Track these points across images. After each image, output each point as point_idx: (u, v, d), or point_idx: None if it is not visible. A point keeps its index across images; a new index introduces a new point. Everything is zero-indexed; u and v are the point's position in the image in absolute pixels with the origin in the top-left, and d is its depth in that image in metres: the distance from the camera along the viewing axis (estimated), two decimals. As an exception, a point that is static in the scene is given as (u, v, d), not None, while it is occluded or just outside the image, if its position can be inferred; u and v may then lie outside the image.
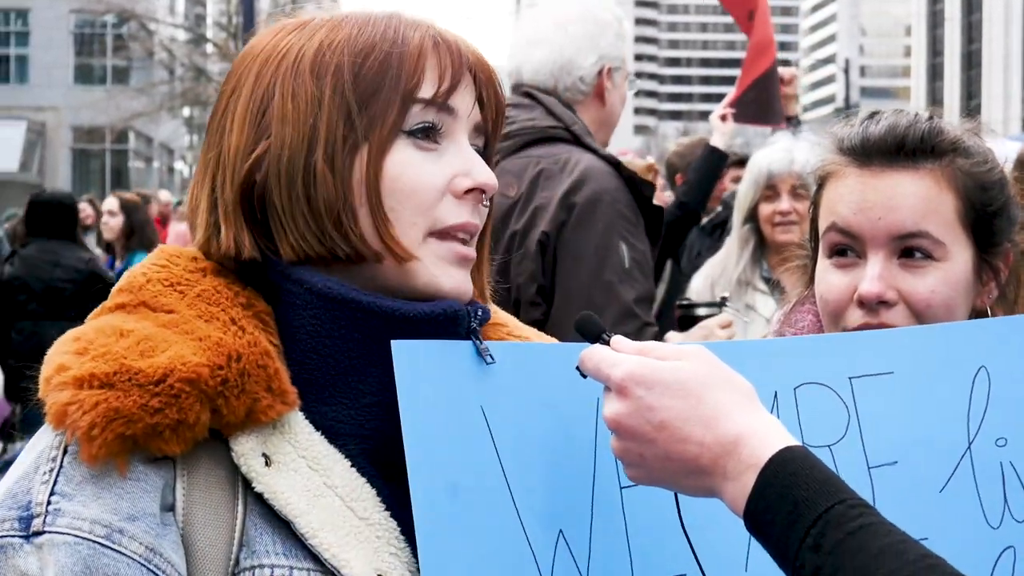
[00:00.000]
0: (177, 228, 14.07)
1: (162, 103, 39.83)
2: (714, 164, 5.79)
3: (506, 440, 1.45)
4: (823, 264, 1.90)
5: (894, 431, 1.62)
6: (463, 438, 1.42)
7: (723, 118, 5.73)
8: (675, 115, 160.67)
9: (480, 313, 1.52)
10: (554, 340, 1.71)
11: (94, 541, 1.28)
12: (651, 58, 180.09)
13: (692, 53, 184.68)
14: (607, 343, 1.45)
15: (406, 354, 1.40)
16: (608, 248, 3.54)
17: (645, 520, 1.53)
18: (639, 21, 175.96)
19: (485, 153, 1.56)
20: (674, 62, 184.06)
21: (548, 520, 1.46)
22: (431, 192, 1.46)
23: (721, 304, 3.83)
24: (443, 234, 1.47)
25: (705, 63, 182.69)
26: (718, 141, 5.75)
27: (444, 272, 1.47)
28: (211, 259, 1.49)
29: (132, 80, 43.79)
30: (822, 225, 1.90)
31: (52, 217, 8.21)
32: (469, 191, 1.48)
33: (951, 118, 1.94)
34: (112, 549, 1.28)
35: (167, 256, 1.50)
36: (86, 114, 41.55)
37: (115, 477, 1.31)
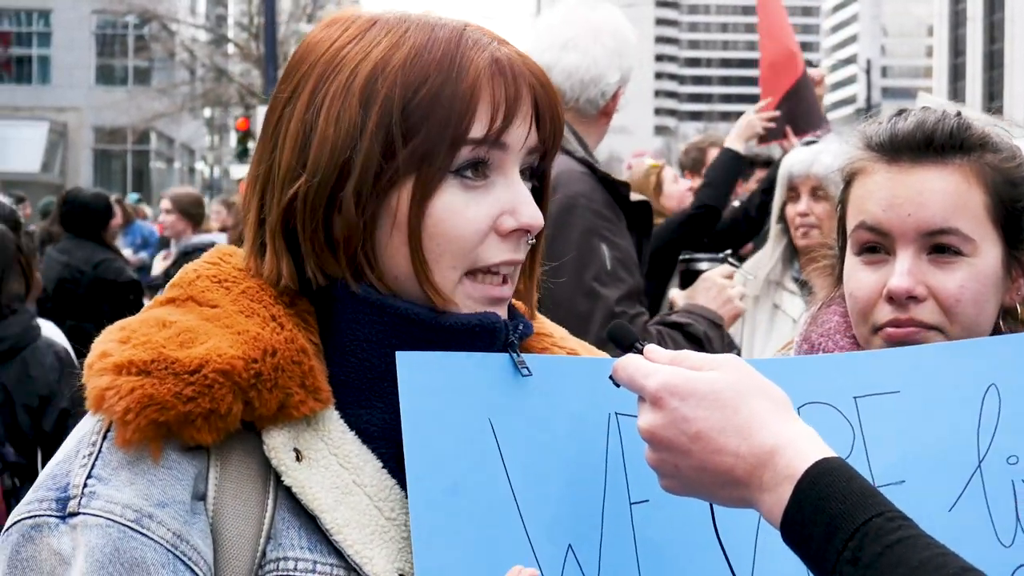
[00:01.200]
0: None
1: (183, 104, 40.02)
2: (728, 164, 5.53)
3: (515, 453, 1.44)
4: (852, 262, 1.89)
5: (901, 450, 1.61)
6: (467, 450, 1.41)
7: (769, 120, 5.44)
8: (695, 115, 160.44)
9: (521, 327, 1.51)
10: (603, 354, 1.68)
11: (124, 524, 1.31)
12: (671, 58, 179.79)
13: (712, 53, 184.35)
14: (640, 352, 1.44)
15: (409, 365, 1.40)
16: (589, 251, 3.49)
17: (654, 536, 1.52)
18: (659, 21, 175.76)
19: (541, 167, 1.53)
20: (694, 62, 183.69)
21: (557, 534, 1.46)
22: (475, 237, 1.43)
23: (724, 259, 3.81)
24: (480, 272, 1.45)
25: (725, 63, 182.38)
26: (734, 143, 5.51)
27: (473, 311, 1.46)
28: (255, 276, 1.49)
29: (153, 81, 44.03)
30: (850, 223, 1.89)
31: (77, 217, 8.28)
32: (513, 231, 1.46)
33: (974, 118, 1.92)
34: (140, 533, 1.31)
35: (220, 254, 1.53)
36: (108, 115, 41.82)
37: (149, 464, 1.34)
